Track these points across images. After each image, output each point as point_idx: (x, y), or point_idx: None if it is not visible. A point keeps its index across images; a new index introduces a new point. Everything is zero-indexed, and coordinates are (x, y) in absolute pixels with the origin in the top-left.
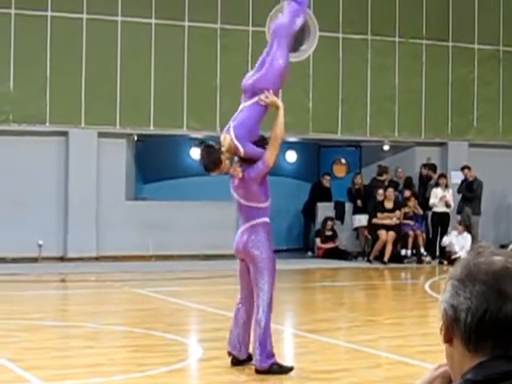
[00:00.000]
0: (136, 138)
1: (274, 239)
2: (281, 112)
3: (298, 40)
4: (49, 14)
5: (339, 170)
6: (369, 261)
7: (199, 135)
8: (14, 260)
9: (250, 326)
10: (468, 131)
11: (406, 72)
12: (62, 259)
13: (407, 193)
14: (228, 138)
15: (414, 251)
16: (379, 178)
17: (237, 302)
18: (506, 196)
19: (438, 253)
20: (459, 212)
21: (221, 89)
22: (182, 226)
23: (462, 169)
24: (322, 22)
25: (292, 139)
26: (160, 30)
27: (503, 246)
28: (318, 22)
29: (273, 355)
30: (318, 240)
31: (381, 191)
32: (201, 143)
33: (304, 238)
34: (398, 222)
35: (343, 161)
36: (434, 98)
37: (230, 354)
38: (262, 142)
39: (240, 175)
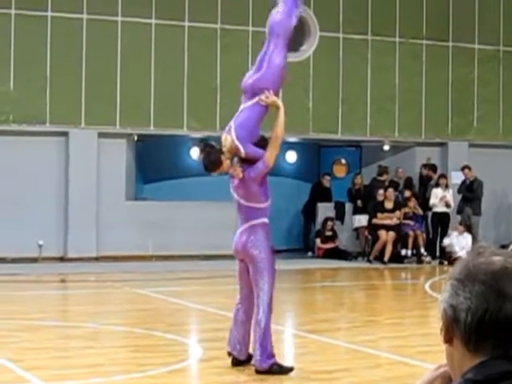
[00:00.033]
0: (136, 138)
1: (274, 239)
2: (281, 112)
3: (298, 40)
4: (49, 14)
5: (339, 170)
6: (369, 261)
7: (199, 135)
8: (14, 260)
9: (249, 326)
10: (468, 131)
11: (406, 72)
12: (62, 259)
13: (407, 193)
14: (229, 138)
15: (414, 251)
16: (379, 178)
17: (236, 303)
18: (507, 196)
19: (438, 253)
20: (459, 212)
21: (221, 89)
22: (182, 226)
23: (463, 169)
24: (322, 22)
25: (292, 139)
26: (160, 30)
27: (503, 247)
28: (318, 23)
29: (273, 355)
30: (318, 240)
31: (381, 191)
32: (201, 141)
33: (304, 238)
34: (398, 222)
35: (343, 161)
36: (434, 98)
37: (229, 354)
38: (262, 143)
39: (240, 175)
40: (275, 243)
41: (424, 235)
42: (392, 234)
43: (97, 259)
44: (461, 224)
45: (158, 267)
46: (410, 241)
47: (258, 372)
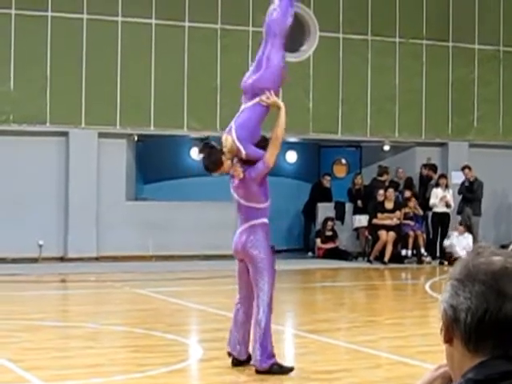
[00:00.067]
0: (136, 139)
1: (275, 240)
2: (282, 112)
3: (298, 40)
4: (49, 14)
5: (339, 171)
6: (369, 261)
7: (199, 135)
8: (15, 260)
9: (249, 326)
10: (468, 131)
11: (407, 72)
12: (62, 259)
13: (407, 193)
14: (230, 139)
15: (415, 251)
16: (379, 178)
17: (236, 303)
18: (507, 196)
19: (438, 253)
20: (459, 212)
21: (221, 89)
22: (182, 227)
23: (463, 169)
24: (322, 23)
25: (292, 139)
26: (160, 31)
27: (504, 247)
28: (318, 23)
29: (273, 355)
30: (318, 240)
31: (381, 191)
32: (202, 140)
33: (304, 239)
34: (398, 222)
35: (343, 161)
36: (435, 98)
37: (229, 354)
38: (263, 143)
39: (241, 176)
40: (275, 243)
41: (424, 235)
42: (392, 234)
43: (97, 259)
44: (461, 224)
45: (158, 267)
46: (410, 241)
47: (258, 372)
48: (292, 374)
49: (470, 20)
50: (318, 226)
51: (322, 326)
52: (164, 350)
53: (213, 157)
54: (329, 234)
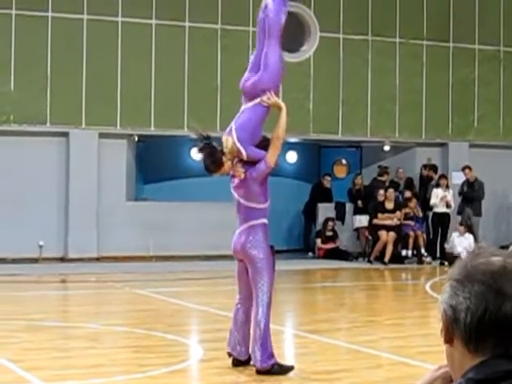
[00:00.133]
0: (137, 139)
1: (275, 240)
2: (283, 113)
3: (298, 41)
4: (49, 14)
5: (340, 171)
6: (369, 261)
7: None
8: (15, 260)
9: (249, 326)
10: (468, 132)
11: (407, 73)
12: (62, 260)
13: (408, 193)
14: (230, 140)
15: (415, 252)
16: (380, 178)
17: (236, 303)
18: (507, 197)
19: (438, 253)
20: (460, 213)
21: (221, 89)
22: (182, 227)
23: (463, 169)
24: (322, 23)
25: (292, 140)
26: (160, 31)
27: (503, 247)
28: (318, 23)
29: (273, 355)
30: (318, 240)
31: (381, 192)
32: (204, 138)
33: (305, 239)
34: (398, 222)
35: (344, 161)
36: (435, 98)
37: (230, 354)
38: (264, 143)
39: (242, 176)
40: (276, 244)
41: (424, 236)
42: (392, 234)
43: (97, 260)
44: (461, 225)
45: (158, 268)
46: (411, 241)
47: (258, 372)
48: (292, 374)
49: (470, 20)
50: (319, 227)
51: (323, 326)
52: (164, 351)
53: (213, 157)
54: (329, 234)
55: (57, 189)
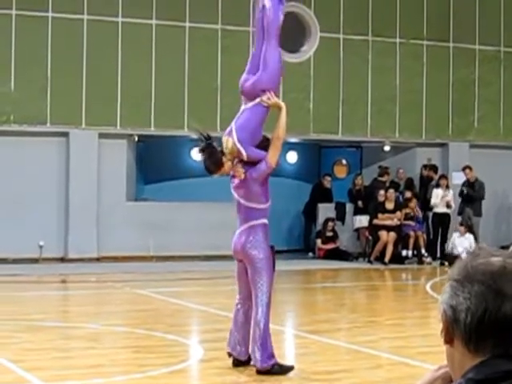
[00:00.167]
0: (137, 139)
1: (275, 240)
2: (283, 113)
3: (298, 41)
4: (49, 14)
5: (340, 171)
6: (369, 261)
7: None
8: (15, 261)
9: (249, 326)
10: (469, 132)
11: (407, 73)
12: (62, 260)
13: (408, 194)
14: (230, 141)
15: (415, 252)
16: (380, 178)
17: (236, 303)
18: (507, 197)
19: (438, 254)
20: (460, 213)
21: (221, 90)
22: (182, 227)
23: (463, 169)
24: (322, 23)
25: (293, 140)
26: (161, 31)
27: (504, 248)
28: (318, 23)
29: (273, 355)
30: (318, 241)
31: (382, 192)
32: (205, 138)
33: (305, 239)
34: (398, 222)
35: (344, 161)
36: (435, 98)
37: (230, 355)
38: (264, 143)
39: (242, 176)
40: (276, 244)
41: (425, 236)
42: (393, 234)
43: (97, 260)
44: (461, 225)
45: (158, 268)
46: (411, 241)
47: (259, 372)
48: (292, 374)
49: (470, 20)
50: (319, 227)
51: (323, 326)
52: (165, 351)
53: (213, 158)
54: (329, 234)
55: (57, 189)
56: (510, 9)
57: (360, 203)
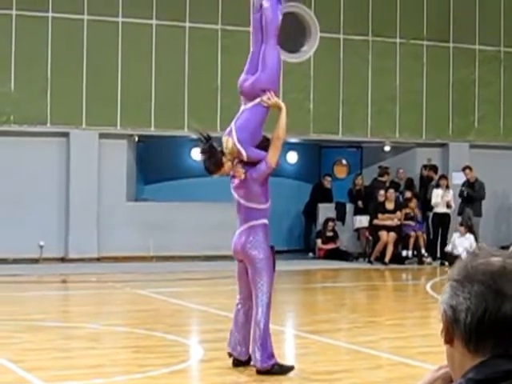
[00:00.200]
0: (137, 139)
1: (275, 240)
2: (283, 113)
3: (298, 41)
4: (50, 14)
5: (340, 171)
6: (370, 262)
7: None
8: (15, 261)
9: (249, 326)
10: (469, 132)
11: (407, 73)
12: (63, 260)
13: (408, 194)
14: (230, 141)
15: (415, 252)
16: (380, 178)
17: (236, 303)
18: (507, 197)
19: (439, 254)
20: (460, 213)
21: (222, 90)
22: (183, 227)
23: (464, 169)
24: (322, 23)
25: (293, 140)
26: (161, 31)
27: (504, 248)
28: (318, 23)
29: (273, 355)
30: (318, 241)
31: (382, 192)
32: (206, 139)
33: (305, 239)
34: (398, 222)
35: (344, 162)
36: (435, 99)
37: (230, 355)
38: (264, 143)
39: (242, 176)
40: (276, 244)
41: (425, 236)
42: (393, 234)
43: (98, 260)
44: (462, 225)
45: (158, 268)
46: (411, 241)
47: (259, 372)
48: (292, 374)
49: (470, 21)
50: (319, 227)
51: (323, 326)
52: (165, 351)
53: (213, 158)
54: (329, 234)
55: (57, 189)
56: (510, 9)
57: (360, 203)
